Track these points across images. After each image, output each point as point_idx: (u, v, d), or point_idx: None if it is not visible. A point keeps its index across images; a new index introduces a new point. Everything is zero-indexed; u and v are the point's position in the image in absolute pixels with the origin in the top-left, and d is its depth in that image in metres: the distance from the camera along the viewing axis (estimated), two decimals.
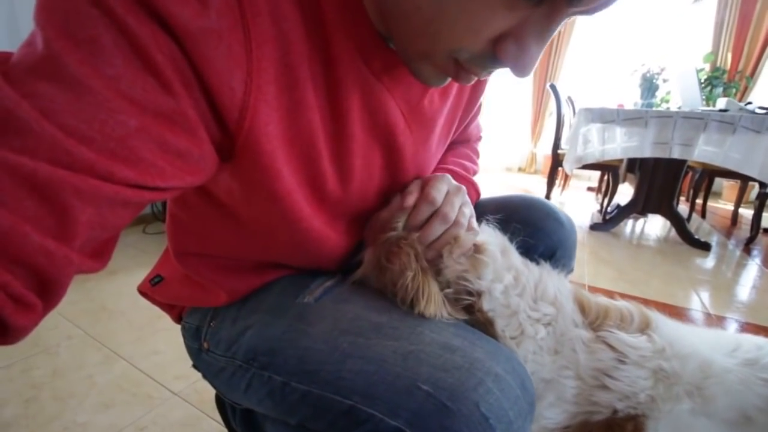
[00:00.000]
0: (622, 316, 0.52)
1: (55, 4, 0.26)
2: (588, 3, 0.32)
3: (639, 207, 2.51)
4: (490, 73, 0.39)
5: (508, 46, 0.34)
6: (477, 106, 0.63)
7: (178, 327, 0.60)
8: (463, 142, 0.71)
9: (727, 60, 3.81)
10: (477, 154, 0.73)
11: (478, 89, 0.59)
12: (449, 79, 0.41)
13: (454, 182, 0.52)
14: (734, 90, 3.66)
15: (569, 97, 3.23)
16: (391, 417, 0.36)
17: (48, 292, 0.27)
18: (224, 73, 0.31)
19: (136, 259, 1.79)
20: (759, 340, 0.51)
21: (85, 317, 1.31)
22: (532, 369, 0.48)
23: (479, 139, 0.75)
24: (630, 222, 2.90)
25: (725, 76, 3.71)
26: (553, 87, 2.91)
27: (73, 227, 0.27)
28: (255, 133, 0.35)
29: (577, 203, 3.55)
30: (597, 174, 3.79)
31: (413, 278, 0.46)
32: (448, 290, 0.50)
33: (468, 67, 0.37)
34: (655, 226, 2.83)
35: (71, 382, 1.01)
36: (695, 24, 3.96)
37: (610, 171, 2.89)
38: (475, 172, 0.68)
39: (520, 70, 0.35)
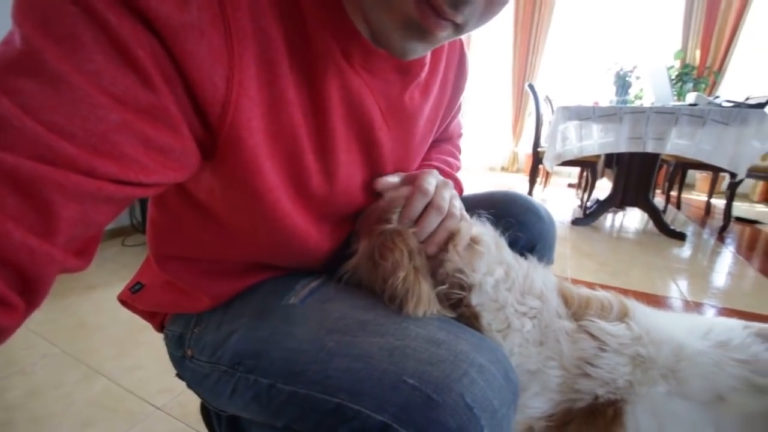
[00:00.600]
0: (603, 306, 0.53)
1: (33, 2, 0.26)
2: None
3: (617, 201, 2.57)
4: (453, 4, 0.34)
5: None
6: (458, 104, 0.64)
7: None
8: (445, 139, 0.72)
9: (696, 56, 3.94)
10: (459, 150, 0.74)
11: (458, 87, 0.60)
12: (427, 52, 0.41)
13: (440, 176, 0.53)
14: (703, 85, 3.80)
15: (547, 96, 3.29)
16: (378, 412, 0.37)
17: (30, 291, 0.27)
18: (206, 68, 0.31)
19: (116, 273, 1.74)
20: (731, 322, 0.53)
21: (63, 335, 1.26)
22: (519, 361, 0.49)
23: (460, 135, 0.77)
24: (609, 216, 2.97)
25: (695, 72, 3.85)
26: (531, 87, 2.96)
27: (56, 224, 0.26)
28: (237, 128, 0.35)
29: (559, 199, 3.61)
30: (577, 170, 3.88)
31: (404, 279, 0.46)
32: (442, 287, 0.50)
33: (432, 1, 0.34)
34: (633, 218, 2.91)
35: (48, 402, 0.97)
36: (665, 22, 4.09)
37: (588, 167, 2.95)
38: (458, 168, 0.70)
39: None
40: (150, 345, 1.21)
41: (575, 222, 2.66)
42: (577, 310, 0.52)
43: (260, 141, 0.38)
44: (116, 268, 1.79)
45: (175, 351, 0.55)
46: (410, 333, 0.42)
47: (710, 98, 2.47)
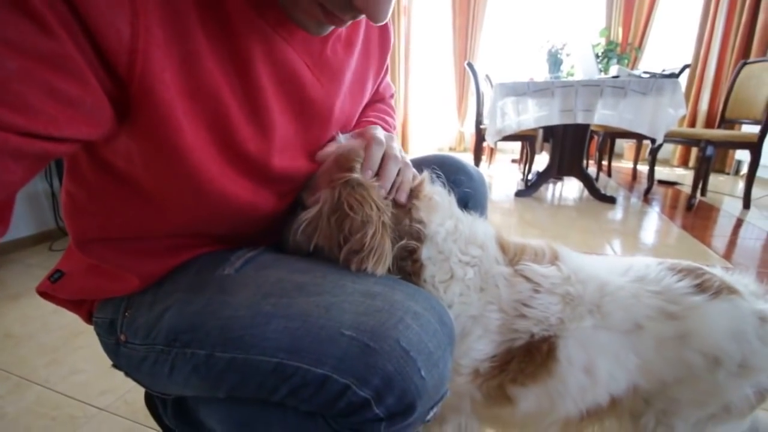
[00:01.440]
0: (536, 252, 0.57)
1: None
2: None
3: (554, 171, 2.73)
4: (354, 17, 0.41)
5: None
6: (386, 64, 0.65)
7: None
8: (377, 100, 0.72)
9: (618, 34, 4.22)
10: (393, 109, 0.75)
11: (384, 45, 0.61)
12: (330, 28, 0.44)
13: (383, 131, 0.54)
14: (626, 60, 4.08)
15: (487, 75, 3.39)
16: (317, 366, 0.37)
17: None
18: (106, 12, 0.30)
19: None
20: (648, 260, 0.58)
21: None
22: (461, 309, 0.51)
23: (392, 96, 0.78)
24: (550, 186, 3.14)
25: (618, 48, 4.12)
26: (470, 65, 3.04)
27: None
28: (149, 79, 0.34)
29: (504, 175, 3.76)
30: (518, 146, 4.06)
31: (373, 235, 0.46)
32: (401, 242, 0.51)
33: (331, 9, 0.39)
34: (570, 188, 3.10)
35: None
36: (591, 2, 4.33)
37: (528, 141, 3.10)
38: (394, 127, 0.71)
39: (374, 17, 0.38)
40: (88, 348, 1.13)
41: (518, 194, 2.80)
42: (513, 257, 0.56)
43: (176, 95, 0.36)
44: (43, 275, 1.64)
45: (108, 338, 0.52)
46: (347, 289, 0.42)
47: (630, 71, 2.66)
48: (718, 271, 0.55)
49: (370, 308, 0.40)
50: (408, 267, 0.52)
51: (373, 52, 0.59)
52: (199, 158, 0.40)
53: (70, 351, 1.13)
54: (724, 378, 0.49)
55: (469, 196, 0.65)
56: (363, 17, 0.42)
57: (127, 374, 0.54)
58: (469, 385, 0.52)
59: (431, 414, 0.41)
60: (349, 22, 0.44)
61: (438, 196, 0.55)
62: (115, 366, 0.55)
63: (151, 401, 0.69)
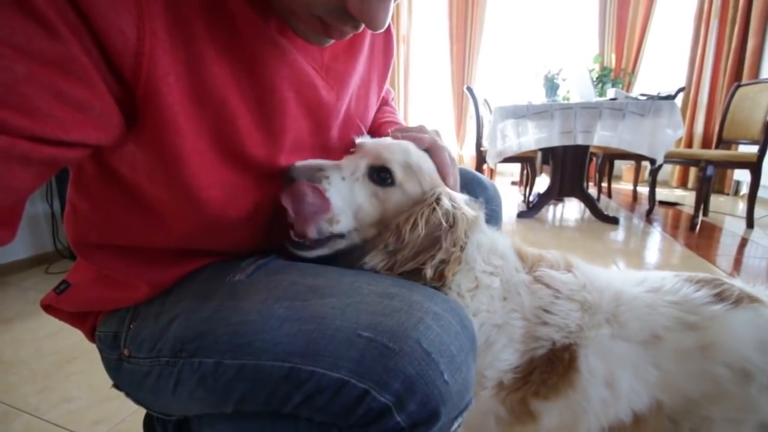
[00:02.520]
0: (551, 261, 0.56)
1: None
2: None
3: (556, 192, 2.73)
4: (355, 27, 0.41)
5: (353, 3, 0.36)
6: (390, 69, 0.67)
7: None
8: (382, 103, 0.73)
9: (612, 59, 4.33)
10: (395, 111, 0.76)
11: (388, 54, 0.62)
12: (331, 41, 0.44)
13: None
14: (620, 85, 4.16)
15: (485, 100, 3.45)
16: (334, 370, 0.35)
17: None
18: (112, 15, 0.30)
19: (38, 303, 1.56)
20: (663, 273, 0.57)
21: None
22: (486, 318, 0.50)
23: (392, 98, 0.79)
24: (551, 207, 3.14)
25: (612, 73, 4.22)
26: (469, 89, 3.10)
27: None
28: (154, 82, 0.33)
29: (504, 197, 3.75)
30: (518, 169, 4.08)
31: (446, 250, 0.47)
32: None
33: (330, 23, 0.39)
34: (571, 209, 3.10)
35: None
36: (584, 30, 4.46)
37: (528, 162, 3.12)
38: None
39: (372, 24, 0.37)
40: (82, 375, 1.09)
41: (520, 215, 2.79)
42: (531, 266, 0.55)
43: (179, 99, 0.36)
44: (38, 298, 1.60)
45: (110, 353, 0.50)
46: (363, 290, 0.41)
47: (627, 93, 2.71)
48: (736, 282, 0.53)
49: (388, 308, 0.38)
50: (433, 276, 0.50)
51: (377, 58, 0.60)
52: (198, 164, 0.39)
53: (63, 378, 1.08)
54: (757, 392, 0.46)
55: (485, 207, 0.65)
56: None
57: (128, 394, 0.52)
58: (493, 400, 0.50)
59: (456, 426, 0.38)
60: (350, 34, 0.44)
61: (466, 206, 0.54)
62: (116, 386, 0.53)
63: (150, 427, 0.65)
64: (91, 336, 0.54)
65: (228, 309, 0.42)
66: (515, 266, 0.53)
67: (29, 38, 0.26)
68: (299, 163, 0.47)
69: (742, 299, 0.49)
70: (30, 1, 0.26)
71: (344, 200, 0.49)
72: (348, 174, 0.50)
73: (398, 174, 0.50)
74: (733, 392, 0.47)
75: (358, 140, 0.55)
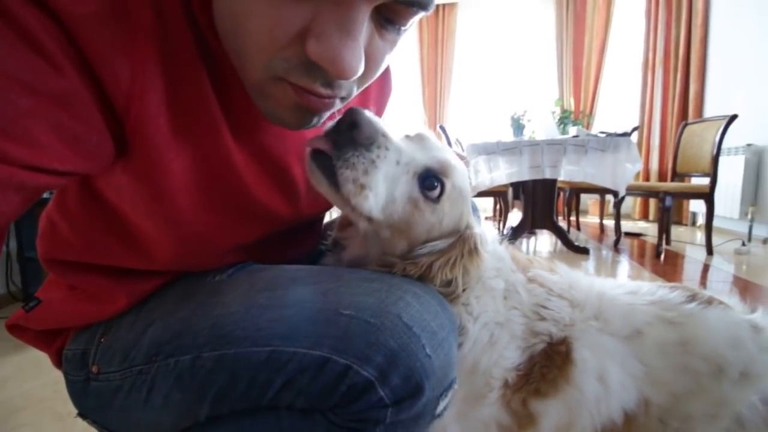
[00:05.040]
0: (540, 264, 0.59)
1: None
2: None
3: (528, 225, 2.81)
4: (326, 84, 0.35)
5: (311, 45, 0.31)
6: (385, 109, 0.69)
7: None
8: None
9: (571, 103, 4.67)
10: None
11: (381, 101, 0.64)
12: (312, 122, 0.39)
13: None
14: (580, 125, 4.46)
15: (457, 139, 3.60)
16: (315, 348, 0.35)
17: None
18: (107, 58, 0.31)
19: None
20: (639, 282, 0.60)
21: None
22: (490, 317, 0.50)
23: None
24: (524, 240, 3.22)
25: (572, 115, 4.53)
26: (442, 128, 3.23)
27: None
28: (143, 123, 0.34)
29: None
30: (491, 204, 4.20)
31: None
32: None
33: (297, 82, 0.34)
34: (544, 241, 3.18)
35: None
36: (545, 76, 4.82)
37: (500, 197, 3.22)
38: None
39: (335, 68, 0.32)
40: (30, 427, 0.98)
41: None
42: (524, 267, 0.57)
43: (166, 139, 0.36)
44: None
45: (77, 374, 0.47)
46: (343, 277, 0.42)
47: (587, 131, 2.90)
48: (706, 292, 0.56)
49: (369, 289, 0.39)
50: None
51: (370, 100, 0.60)
52: (182, 201, 0.40)
53: (10, 431, 0.98)
54: (729, 387, 0.48)
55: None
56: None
57: (94, 422, 0.48)
58: (498, 403, 0.50)
59: (441, 405, 0.38)
60: (337, 103, 0.38)
61: (487, 242, 0.56)
62: (81, 415, 0.50)
63: None
64: (57, 359, 0.51)
65: (208, 305, 0.41)
66: (511, 267, 0.56)
67: (36, 73, 0.28)
68: (369, 114, 0.41)
69: (713, 301, 0.52)
70: (38, 40, 0.27)
71: (384, 183, 0.42)
72: (403, 161, 0.44)
73: (447, 192, 0.46)
74: (710, 387, 0.49)
75: (420, 131, 0.50)
